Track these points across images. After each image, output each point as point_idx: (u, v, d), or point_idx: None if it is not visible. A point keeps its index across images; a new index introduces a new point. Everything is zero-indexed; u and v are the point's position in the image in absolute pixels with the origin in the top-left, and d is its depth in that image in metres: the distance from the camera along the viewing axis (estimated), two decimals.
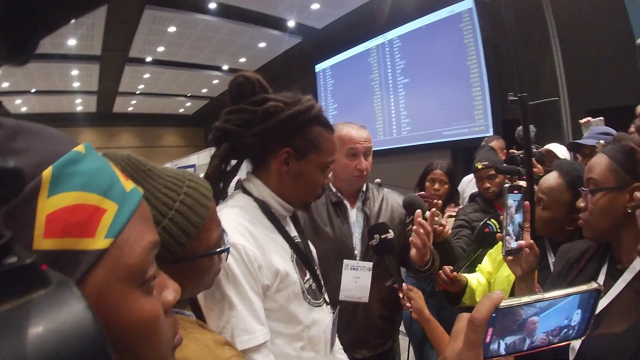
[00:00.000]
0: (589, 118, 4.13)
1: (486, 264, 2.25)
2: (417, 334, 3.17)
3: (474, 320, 0.65)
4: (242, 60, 13.11)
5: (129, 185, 0.51)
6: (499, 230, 2.16)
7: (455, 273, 2.09)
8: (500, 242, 1.56)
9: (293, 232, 1.57)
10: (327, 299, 1.59)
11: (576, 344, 1.33)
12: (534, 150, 3.83)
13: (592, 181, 1.40)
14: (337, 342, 1.69)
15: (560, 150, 4.03)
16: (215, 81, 15.29)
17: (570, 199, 1.77)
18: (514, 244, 1.54)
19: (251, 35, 11.31)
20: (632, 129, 2.87)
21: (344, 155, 2.13)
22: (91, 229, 0.43)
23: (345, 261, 2.08)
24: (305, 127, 1.46)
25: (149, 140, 20.92)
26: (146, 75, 14.57)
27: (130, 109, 18.96)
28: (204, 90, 16.83)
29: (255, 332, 1.30)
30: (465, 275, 2.18)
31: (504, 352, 0.68)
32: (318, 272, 1.59)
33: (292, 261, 1.47)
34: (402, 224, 2.27)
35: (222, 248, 1.04)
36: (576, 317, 0.73)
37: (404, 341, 3.18)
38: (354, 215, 2.21)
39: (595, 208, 1.38)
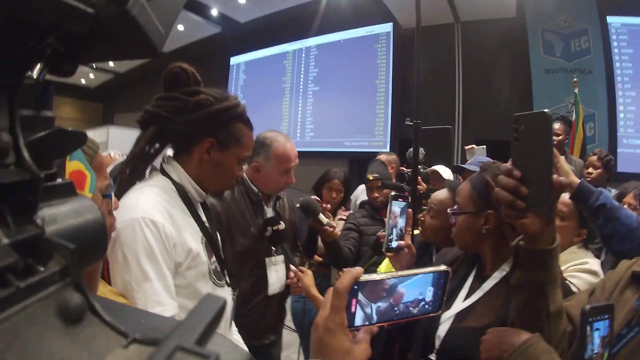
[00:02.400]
0: (473, 145, 4.53)
1: (385, 265, 2.44)
2: (303, 325, 3.40)
3: (337, 288, 0.77)
4: None
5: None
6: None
7: None
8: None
9: (204, 217, 1.67)
10: (229, 281, 1.70)
11: (442, 332, 1.54)
12: (421, 170, 4.17)
13: (457, 204, 1.63)
14: (234, 325, 1.81)
15: (444, 172, 4.37)
16: None
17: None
18: (394, 244, 1.81)
19: None
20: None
21: (279, 172, 2.30)
22: (83, 186, 0.73)
23: (267, 259, 2.29)
24: (230, 121, 1.59)
25: None
26: None
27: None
28: (111, 64, 16.00)
29: (166, 304, 1.39)
30: None
31: (375, 319, 0.81)
32: (222, 255, 1.70)
33: (202, 243, 1.57)
34: (294, 221, 2.57)
35: (106, 194, 1.12)
36: (429, 293, 0.87)
37: (293, 337, 3.36)
38: (269, 213, 2.38)
39: (459, 226, 1.60)
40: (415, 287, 0.85)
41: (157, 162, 1.64)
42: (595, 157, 3.97)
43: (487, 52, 7.22)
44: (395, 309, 0.83)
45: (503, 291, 1.51)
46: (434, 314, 0.90)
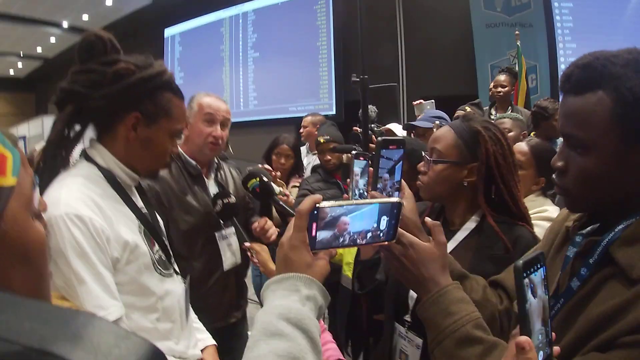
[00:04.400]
0: (421, 100, 4.54)
1: None
2: None
3: (299, 210, 0.85)
4: (85, 17, 12.01)
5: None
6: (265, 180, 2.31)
7: None
8: None
9: (139, 203, 1.50)
10: (177, 269, 1.56)
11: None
12: (375, 128, 4.13)
13: (436, 151, 1.52)
14: (192, 312, 1.67)
15: (398, 130, 4.36)
16: (53, 39, 13.77)
17: (407, 168, 1.95)
18: None
19: None
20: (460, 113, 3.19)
21: (201, 120, 2.17)
22: (3, 169, 0.58)
23: (217, 234, 2.19)
24: (156, 92, 1.40)
25: None
26: None
27: None
28: (39, 50, 15.04)
29: (109, 307, 1.24)
30: None
31: (333, 243, 0.88)
32: (166, 242, 1.54)
33: (140, 232, 1.42)
34: (243, 194, 2.41)
35: None
36: (383, 222, 0.93)
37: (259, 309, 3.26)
38: (212, 186, 2.27)
39: (436, 176, 1.50)
40: (367, 217, 0.90)
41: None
42: None
43: (429, 7, 7.22)
44: (351, 234, 0.89)
45: (473, 242, 1.48)
46: (389, 242, 0.97)
